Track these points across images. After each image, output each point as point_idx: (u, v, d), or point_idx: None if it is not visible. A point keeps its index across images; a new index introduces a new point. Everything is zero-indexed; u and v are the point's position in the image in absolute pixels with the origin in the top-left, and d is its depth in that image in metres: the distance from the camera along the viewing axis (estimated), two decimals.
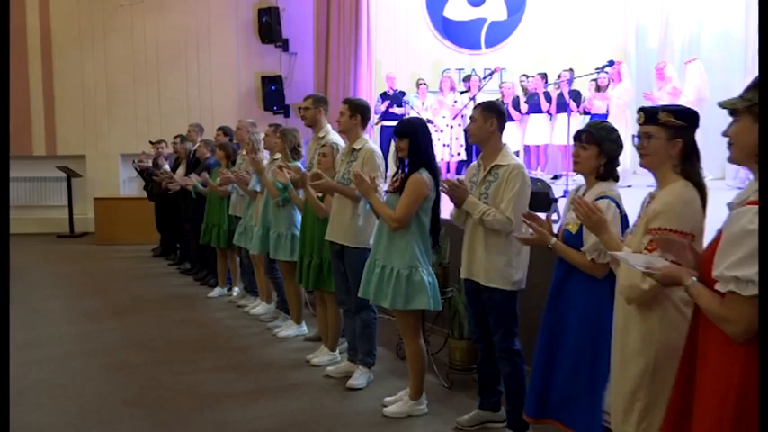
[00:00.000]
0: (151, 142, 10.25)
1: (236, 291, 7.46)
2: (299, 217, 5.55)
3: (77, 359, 5.51)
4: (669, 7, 10.72)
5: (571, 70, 10.16)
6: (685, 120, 2.56)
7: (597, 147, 3.09)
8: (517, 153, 10.37)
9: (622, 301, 2.61)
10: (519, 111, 10.34)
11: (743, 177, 7.81)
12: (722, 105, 2.05)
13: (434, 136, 10.20)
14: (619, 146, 3.13)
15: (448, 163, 10.30)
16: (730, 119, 2.05)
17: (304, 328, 6.03)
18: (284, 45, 12.32)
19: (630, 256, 2.41)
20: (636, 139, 2.63)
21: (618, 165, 3.18)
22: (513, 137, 10.36)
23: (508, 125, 10.20)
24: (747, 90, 1.99)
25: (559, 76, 10.12)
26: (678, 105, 2.78)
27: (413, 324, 4.25)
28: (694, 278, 2.08)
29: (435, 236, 4.21)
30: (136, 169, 10.64)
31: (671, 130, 2.53)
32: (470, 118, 3.87)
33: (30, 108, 12.60)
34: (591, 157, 3.09)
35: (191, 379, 5.00)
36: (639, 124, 2.61)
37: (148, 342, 5.92)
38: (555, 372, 3.23)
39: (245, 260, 6.95)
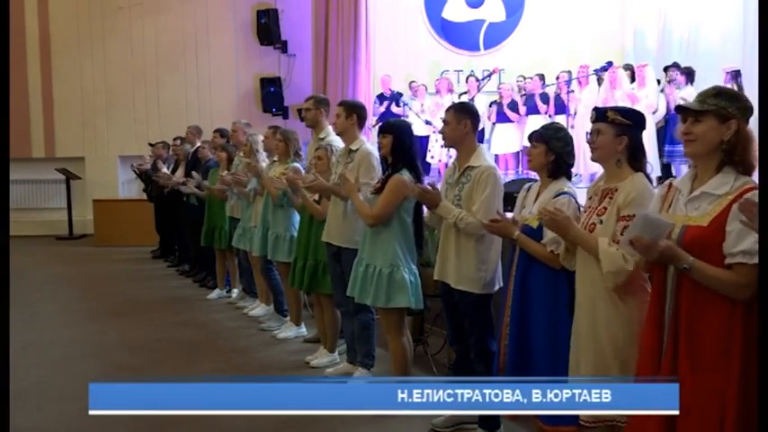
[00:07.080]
0: (151, 144, 10.25)
1: (235, 292, 7.46)
2: (297, 218, 5.54)
3: (77, 361, 5.51)
4: (667, 8, 10.72)
5: (569, 72, 10.17)
6: (630, 119, 2.87)
7: (545, 145, 3.34)
8: (517, 154, 10.41)
9: (589, 288, 2.83)
10: (517, 112, 10.34)
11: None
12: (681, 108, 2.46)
13: (432, 137, 10.30)
14: (565, 144, 3.36)
15: (446, 164, 10.29)
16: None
17: (303, 330, 6.03)
18: (283, 47, 12.30)
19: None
20: (587, 135, 2.91)
21: (570, 164, 3.41)
22: (513, 138, 10.38)
23: (507, 126, 10.39)
24: (710, 96, 2.39)
25: (557, 78, 10.13)
26: (625, 106, 3.12)
27: (396, 322, 4.29)
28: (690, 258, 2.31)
29: (419, 236, 4.22)
30: (135, 172, 10.65)
31: (618, 127, 2.83)
32: (443, 120, 3.84)
33: (29, 110, 12.61)
34: (540, 155, 3.36)
35: None
36: (591, 122, 2.92)
37: (148, 344, 5.93)
38: (527, 365, 3.30)
39: (244, 262, 6.94)
